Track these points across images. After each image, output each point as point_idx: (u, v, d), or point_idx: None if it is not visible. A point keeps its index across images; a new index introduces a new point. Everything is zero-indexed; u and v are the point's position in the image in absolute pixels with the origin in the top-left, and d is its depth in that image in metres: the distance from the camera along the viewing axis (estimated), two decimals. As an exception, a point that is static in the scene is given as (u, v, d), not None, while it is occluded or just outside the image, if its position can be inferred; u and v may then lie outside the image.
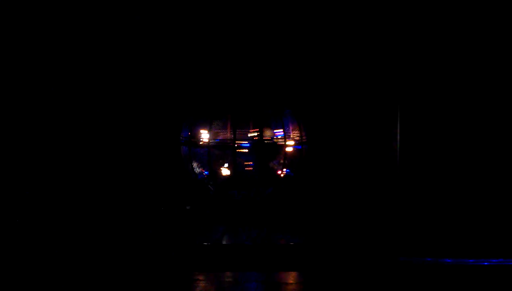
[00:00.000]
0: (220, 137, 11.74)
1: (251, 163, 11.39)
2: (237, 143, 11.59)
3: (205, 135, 11.60)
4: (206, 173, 11.46)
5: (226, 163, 11.65)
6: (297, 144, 12.07)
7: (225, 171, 10.77)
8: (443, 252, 8.05)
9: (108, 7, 10.32)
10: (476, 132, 9.89)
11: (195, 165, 11.74)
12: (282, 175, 11.86)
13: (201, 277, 7.73)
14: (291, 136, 12.04)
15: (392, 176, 10.42)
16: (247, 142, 11.68)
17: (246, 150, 11.44)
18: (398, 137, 10.32)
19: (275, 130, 11.86)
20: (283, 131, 11.81)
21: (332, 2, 10.27)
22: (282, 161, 11.78)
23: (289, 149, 11.77)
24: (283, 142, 11.70)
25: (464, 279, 7.34)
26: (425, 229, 9.03)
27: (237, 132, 11.60)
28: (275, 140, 11.89)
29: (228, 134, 11.65)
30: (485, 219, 9.35)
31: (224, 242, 8.66)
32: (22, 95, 10.32)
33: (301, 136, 12.21)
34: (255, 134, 11.69)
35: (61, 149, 10.51)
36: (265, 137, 11.77)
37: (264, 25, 10.42)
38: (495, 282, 7.21)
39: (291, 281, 7.70)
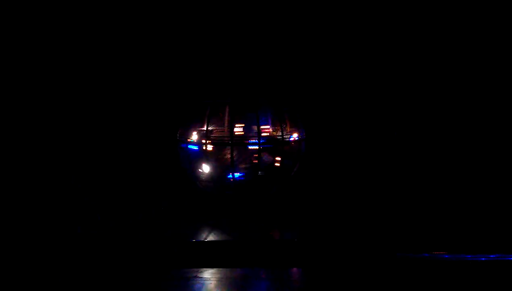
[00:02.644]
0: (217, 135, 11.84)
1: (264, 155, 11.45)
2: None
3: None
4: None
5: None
6: (296, 141, 12.14)
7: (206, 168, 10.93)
8: (441, 248, 8.08)
9: (107, 10, 10.34)
10: (472, 133, 9.93)
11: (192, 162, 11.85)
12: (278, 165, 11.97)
13: (201, 274, 7.78)
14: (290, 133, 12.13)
15: (390, 174, 10.48)
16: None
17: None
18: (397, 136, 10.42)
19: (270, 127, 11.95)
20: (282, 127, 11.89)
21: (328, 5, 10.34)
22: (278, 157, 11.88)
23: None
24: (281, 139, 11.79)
25: (462, 274, 7.37)
26: (423, 225, 9.06)
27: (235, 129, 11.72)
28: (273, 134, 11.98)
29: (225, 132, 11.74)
30: (483, 216, 9.39)
31: (221, 238, 8.75)
32: (23, 95, 10.34)
33: (299, 133, 12.28)
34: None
35: (60, 149, 10.53)
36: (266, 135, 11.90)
37: (258, 31, 10.44)
38: (493, 277, 7.24)
39: (293, 278, 7.76)
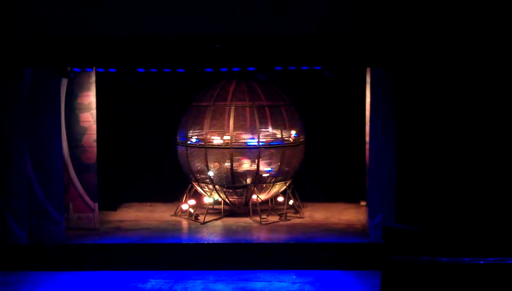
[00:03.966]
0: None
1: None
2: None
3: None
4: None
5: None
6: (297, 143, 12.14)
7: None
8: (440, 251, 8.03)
9: None
10: (475, 136, 9.84)
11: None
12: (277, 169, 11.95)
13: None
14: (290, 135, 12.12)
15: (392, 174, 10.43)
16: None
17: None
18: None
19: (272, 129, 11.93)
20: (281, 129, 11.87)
21: None
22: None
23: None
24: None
25: (460, 277, 7.30)
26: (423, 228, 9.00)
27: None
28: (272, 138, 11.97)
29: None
30: (482, 220, 9.32)
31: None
32: None
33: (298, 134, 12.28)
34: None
35: None
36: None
37: None
38: (492, 279, 7.18)
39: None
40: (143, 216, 12.39)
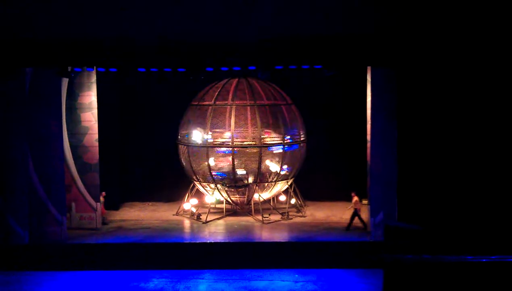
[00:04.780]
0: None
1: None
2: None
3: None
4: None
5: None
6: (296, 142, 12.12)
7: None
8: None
9: None
10: (476, 134, 9.83)
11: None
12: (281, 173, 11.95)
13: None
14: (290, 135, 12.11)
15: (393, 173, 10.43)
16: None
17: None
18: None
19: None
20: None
21: None
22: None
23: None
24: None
25: (462, 275, 7.29)
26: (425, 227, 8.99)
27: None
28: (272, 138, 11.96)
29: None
30: (484, 218, 9.31)
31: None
32: None
33: (299, 134, 12.27)
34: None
35: None
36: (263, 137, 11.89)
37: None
38: (493, 277, 7.17)
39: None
40: (145, 216, 12.40)
